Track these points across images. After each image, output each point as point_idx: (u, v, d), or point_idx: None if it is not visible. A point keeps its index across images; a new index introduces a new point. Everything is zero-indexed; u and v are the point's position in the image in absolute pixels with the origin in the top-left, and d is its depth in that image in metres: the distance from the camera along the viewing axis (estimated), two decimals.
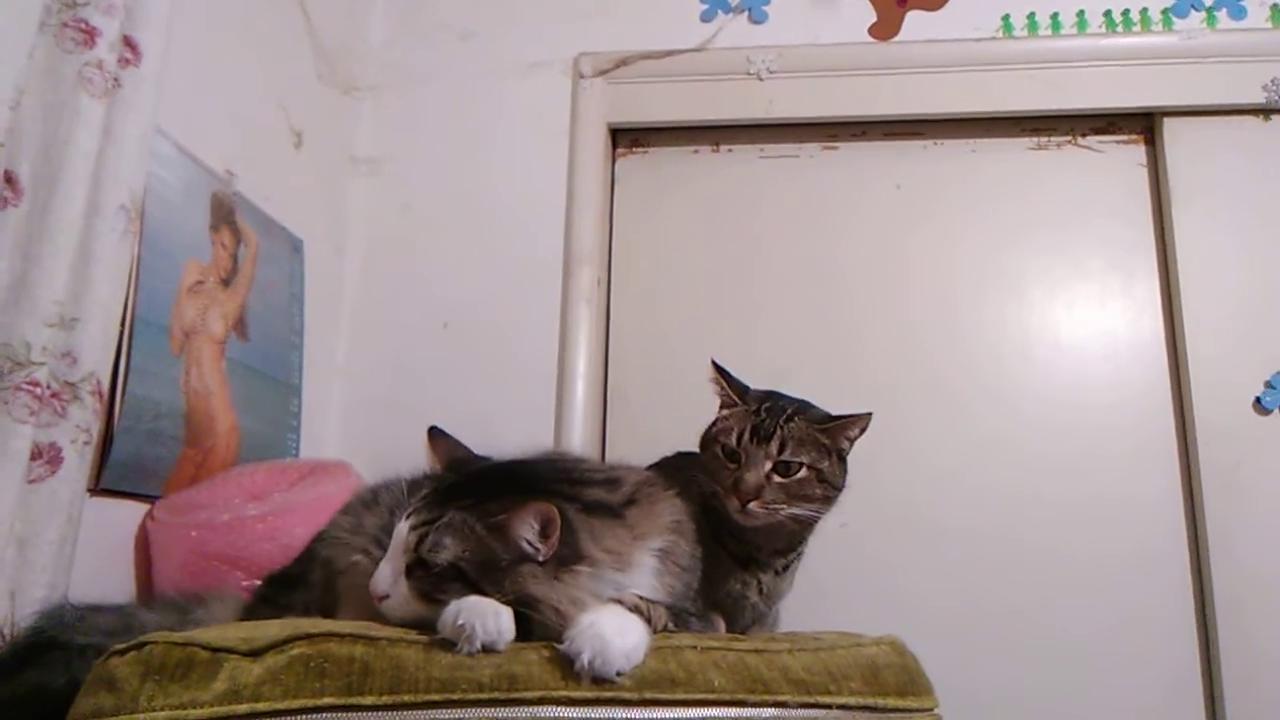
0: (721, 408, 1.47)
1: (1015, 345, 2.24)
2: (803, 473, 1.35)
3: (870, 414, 1.40)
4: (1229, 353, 2.12)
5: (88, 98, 1.27)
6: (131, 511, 1.55)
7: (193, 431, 1.66)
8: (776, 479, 1.35)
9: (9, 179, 1.22)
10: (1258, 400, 2.09)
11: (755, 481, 1.33)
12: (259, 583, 1.41)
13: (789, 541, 1.42)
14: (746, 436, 1.36)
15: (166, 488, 1.60)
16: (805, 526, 1.41)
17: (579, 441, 2.18)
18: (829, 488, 1.38)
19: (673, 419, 2.14)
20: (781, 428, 1.36)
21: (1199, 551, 2.07)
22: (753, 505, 1.33)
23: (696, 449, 1.48)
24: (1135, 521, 2.11)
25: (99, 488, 1.44)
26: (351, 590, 1.24)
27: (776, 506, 1.34)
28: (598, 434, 2.27)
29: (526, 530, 1.02)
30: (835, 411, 1.43)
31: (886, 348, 2.26)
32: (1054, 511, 2.12)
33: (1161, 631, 2.06)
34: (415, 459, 2.07)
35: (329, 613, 1.22)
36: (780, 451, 1.35)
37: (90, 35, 1.29)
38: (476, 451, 1.27)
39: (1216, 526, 2.05)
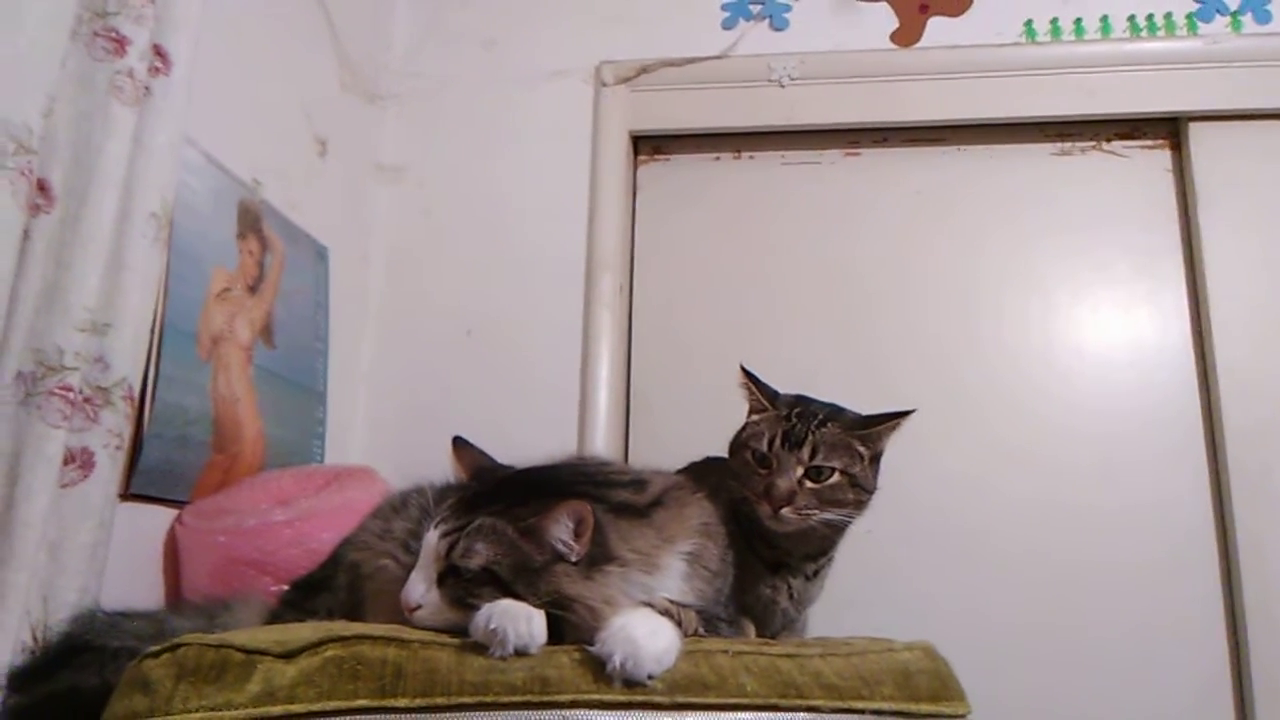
0: (751, 413, 1.46)
1: (1039, 351, 2.22)
2: (835, 478, 1.34)
3: (909, 412, 1.39)
4: (1257, 357, 2.11)
5: (119, 105, 1.28)
6: (160, 517, 1.56)
7: (220, 437, 1.67)
8: (809, 484, 1.34)
9: (42, 186, 1.23)
10: None
11: (787, 487, 1.32)
12: (285, 588, 1.42)
13: (820, 546, 1.42)
14: (778, 442, 1.35)
15: (194, 493, 1.61)
16: (836, 531, 1.40)
17: (602, 447, 2.18)
18: (861, 492, 1.37)
19: (696, 424, 2.14)
20: (813, 433, 1.35)
21: (1229, 558, 2.05)
22: (785, 511, 1.32)
23: (722, 454, 1.48)
24: (1163, 528, 2.09)
25: (128, 493, 1.45)
26: (379, 595, 1.25)
27: (809, 512, 1.33)
28: (620, 440, 2.27)
29: (561, 530, 1.02)
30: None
31: (908, 353, 2.25)
32: (1080, 518, 2.11)
33: (1191, 639, 2.04)
34: (440, 465, 2.07)
35: (353, 616, 1.22)
36: (812, 457, 1.34)
37: (121, 44, 1.29)
38: (501, 460, 1.26)
39: (1246, 532, 2.03)
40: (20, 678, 1.11)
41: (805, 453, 1.34)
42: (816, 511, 1.34)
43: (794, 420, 1.37)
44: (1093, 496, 2.12)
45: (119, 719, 0.91)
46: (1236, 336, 2.13)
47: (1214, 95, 2.22)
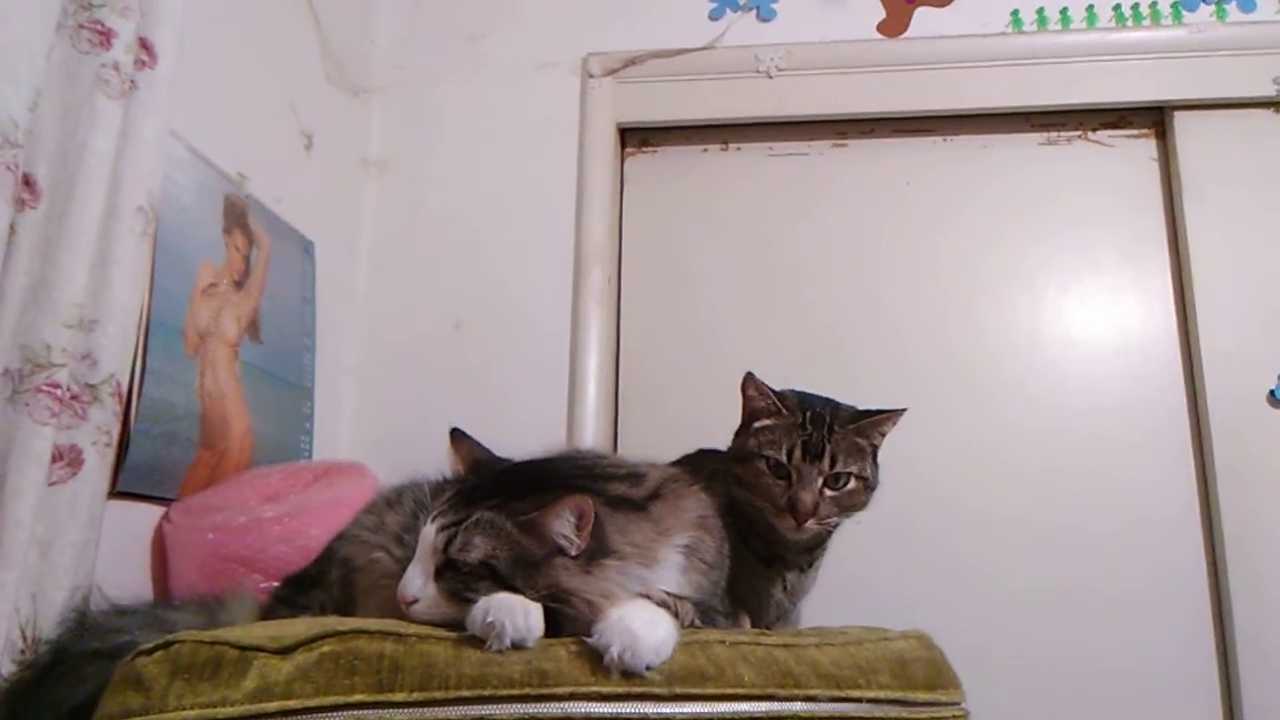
0: (758, 416, 1.42)
1: (1027, 341, 2.23)
2: (852, 484, 1.35)
3: (903, 410, 1.39)
4: (1242, 345, 2.12)
5: (104, 99, 1.26)
6: (147, 514, 1.55)
7: (207, 434, 1.66)
8: (828, 493, 1.34)
9: (27, 181, 1.21)
10: (1271, 393, 2.09)
11: (812, 500, 1.32)
12: (276, 584, 1.41)
13: (817, 540, 1.42)
14: (798, 453, 1.34)
15: (182, 490, 1.59)
16: (836, 527, 1.40)
17: (590, 439, 2.18)
18: (870, 491, 1.38)
19: (684, 416, 2.16)
20: (829, 440, 1.34)
21: (1214, 545, 2.07)
22: (809, 523, 1.32)
23: (714, 445, 1.47)
24: (1149, 516, 2.10)
25: (115, 490, 1.43)
26: (372, 590, 1.24)
27: (829, 520, 1.35)
28: (609, 433, 2.27)
29: (562, 524, 1.02)
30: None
31: (898, 344, 2.26)
32: (1066, 507, 2.12)
33: (1176, 625, 2.06)
34: (428, 460, 2.04)
35: (346, 611, 1.22)
36: (832, 465, 1.34)
37: (106, 37, 1.28)
38: (497, 453, 1.26)
39: (1231, 520, 2.05)
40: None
41: (825, 463, 1.33)
42: (835, 518, 1.35)
43: (809, 428, 1.36)
44: (1079, 485, 2.13)
45: (112, 717, 0.90)
46: (1221, 324, 2.14)
47: (1199, 84, 2.23)
